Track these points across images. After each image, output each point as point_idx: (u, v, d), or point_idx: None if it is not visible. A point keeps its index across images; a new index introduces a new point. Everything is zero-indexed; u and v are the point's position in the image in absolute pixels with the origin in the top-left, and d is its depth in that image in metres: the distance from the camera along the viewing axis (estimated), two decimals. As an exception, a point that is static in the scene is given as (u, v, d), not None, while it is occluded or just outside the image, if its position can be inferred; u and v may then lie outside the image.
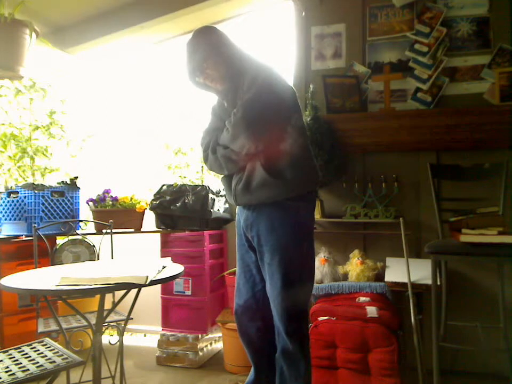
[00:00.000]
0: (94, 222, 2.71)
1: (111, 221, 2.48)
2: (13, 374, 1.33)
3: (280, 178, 1.56)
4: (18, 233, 2.56)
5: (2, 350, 1.55)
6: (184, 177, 3.06)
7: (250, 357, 1.78)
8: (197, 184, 2.97)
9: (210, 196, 2.80)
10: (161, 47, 3.47)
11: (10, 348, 1.56)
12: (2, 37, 2.05)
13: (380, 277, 2.38)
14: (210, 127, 1.76)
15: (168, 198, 2.81)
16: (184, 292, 2.72)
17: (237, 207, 1.78)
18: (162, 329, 2.75)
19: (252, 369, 1.79)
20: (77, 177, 2.83)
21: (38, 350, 1.53)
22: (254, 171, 1.59)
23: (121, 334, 1.84)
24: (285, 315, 1.59)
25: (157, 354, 2.72)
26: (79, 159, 3.27)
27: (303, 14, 2.78)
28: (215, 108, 1.80)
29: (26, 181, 2.76)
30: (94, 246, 2.47)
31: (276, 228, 1.59)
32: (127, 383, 1.99)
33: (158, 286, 2.74)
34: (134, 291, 1.47)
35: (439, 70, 2.52)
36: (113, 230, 2.47)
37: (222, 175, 1.76)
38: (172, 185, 2.87)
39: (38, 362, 1.41)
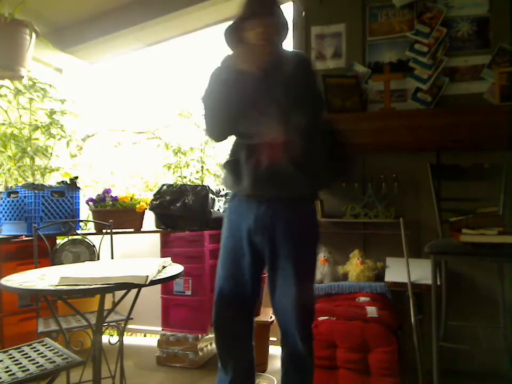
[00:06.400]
0: (94, 222, 2.71)
1: (111, 221, 2.47)
2: (13, 374, 1.32)
3: (305, 171, 1.48)
4: (18, 233, 2.56)
5: (2, 350, 1.54)
6: (184, 177, 3.06)
7: (231, 367, 1.61)
8: (197, 184, 2.97)
9: (210, 195, 2.80)
10: (161, 47, 3.47)
11: (10, 348, 1.56)
12: (2, 37, 2.05)
13: (379, 277, 2.38)
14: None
15: (168, 198, 2.80)
16: (184, 292, 2.72)
17: (234, 207, 1.62)
18: (162, 329, 2.75)
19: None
20: (77, 177, 2.82)
21: (38, 350, 1.53)
22: (279, 157, 1.46)
23: (121, 334, 1.84)
24: (299, 321, 1.55)
25: (157, 354, 2.72)
26: (79, 159, 3.27)
27: (303, 14, 2.77)
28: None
29: (26, 181, 2.76)
30: (94, 246, 2.47)
31: (294, 231, 1.53)
32: (127, 383, 1.99)
33: (158, 286, 2.73)
34: (134, 291, 1.46)
35: (439, 70, 2.52)
36: (113, 230, 2.46)
37: (227, 160, 1.58)
38: (172, 185, 2.87)
39: (38, 362, 1.41)
